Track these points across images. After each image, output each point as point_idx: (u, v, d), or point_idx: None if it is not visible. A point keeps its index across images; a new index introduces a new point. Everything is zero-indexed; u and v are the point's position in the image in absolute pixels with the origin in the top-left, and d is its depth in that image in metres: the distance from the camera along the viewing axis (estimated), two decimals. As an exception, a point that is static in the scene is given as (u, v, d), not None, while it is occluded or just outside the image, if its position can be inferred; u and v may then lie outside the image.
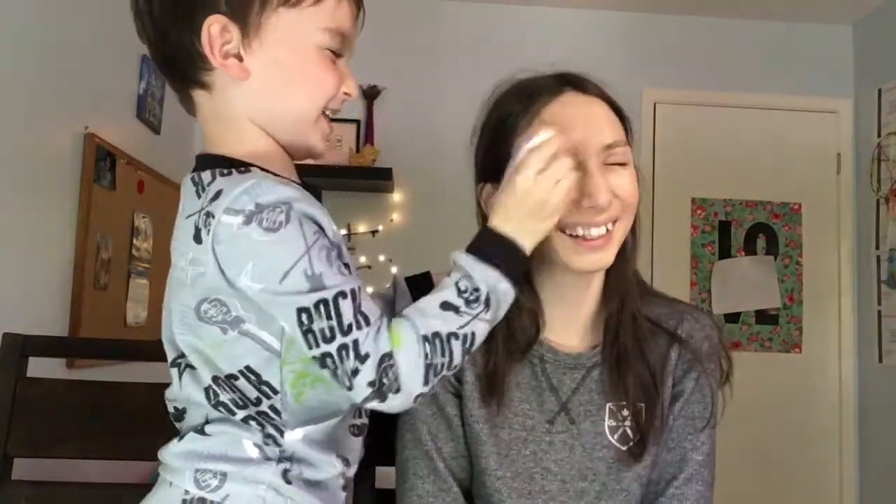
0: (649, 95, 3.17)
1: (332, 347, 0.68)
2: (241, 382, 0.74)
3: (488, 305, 0.73)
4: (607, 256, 0.89)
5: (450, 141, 3.11)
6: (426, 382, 0.71)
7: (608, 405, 0.93)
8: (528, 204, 0.77)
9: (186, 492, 0.75)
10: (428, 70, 3.09)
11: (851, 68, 3.24)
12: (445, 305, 0.72)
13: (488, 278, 0.74)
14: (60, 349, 1.55)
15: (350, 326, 0.68)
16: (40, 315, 1.78)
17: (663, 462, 0.94)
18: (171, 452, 0.78)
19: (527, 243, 0.77)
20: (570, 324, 0.96)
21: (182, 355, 0.79)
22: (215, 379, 0.75)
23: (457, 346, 0.72)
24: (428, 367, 0.70)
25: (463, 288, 0.73)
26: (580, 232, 0.87)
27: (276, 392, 0.74)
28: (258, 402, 0.75)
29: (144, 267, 2.34)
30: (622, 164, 0.89)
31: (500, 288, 0.74)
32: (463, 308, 0.72)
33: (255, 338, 0.73)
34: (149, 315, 2.37)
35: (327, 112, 0.80)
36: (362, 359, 0.68)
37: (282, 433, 0.76)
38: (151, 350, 1.54)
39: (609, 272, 0.95)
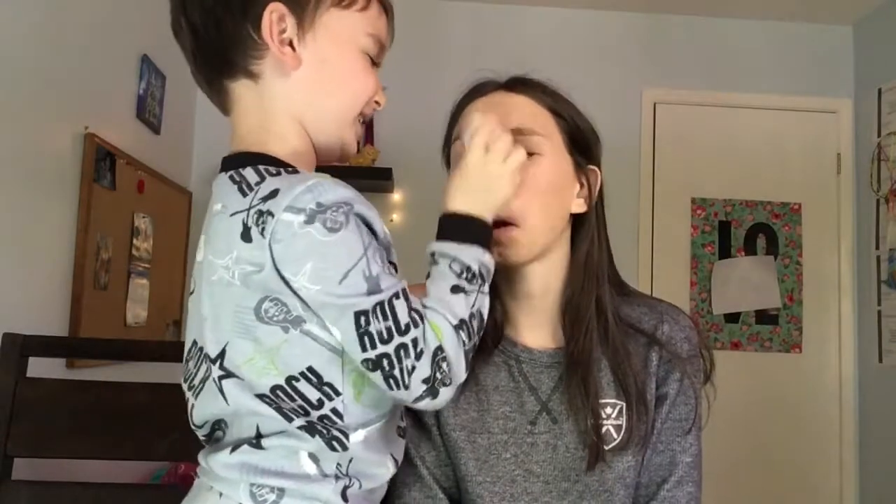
0: (649, 95, 3.17)
1: (389, 348, 0.69)
2: (303, 384, 0.72)
3: (483, 278, 0.76)
4: (518, 250, 0.90)
5: (450, 141, 3.11)
6: (467, 368, 0.74)
7: (589, 404, 0.92)
8: (481, 180, 0.79)
9: None
10: (428, 70, 3.09)
11: (851, 68, 3.24)
12: (455, 289, 0.74)
13: (474, 255, 0.76)
14: (60, 349, 1.55)
15: (407, 326, 0.69)
16: (40, 315, 1.78)
17: (652, 465, 0.94)
18: (221, 462, 0.74)
19: (487, 216, 0.79)
20: (535, 322, 0.96)
21: (224, 369, 0.74)
22: (275, 388, 0.72)
23: (476, 325, 0.75)
24: (466, 353, 0.73)
25: (458, 270, 0.75)
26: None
27: (338, 393, 0.73)
28: (320, 404, 0.73)
29: (144, 267, 2.34)
30: (533, 154, 0.89)
31: (485, 260, 0.77)
32: (468, 287, 0.75)
33: (316, 338, 0.72)
34: (149, 315, 2.37)
35: (360, 117, 0.82)
36: (419, 356, 0.69)
37: (347, 436, 0.74)
38: (151, 350, 1.54)
39: (577, 262, 0.95)
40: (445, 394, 0.72)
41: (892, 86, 2.99)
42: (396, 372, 0.69)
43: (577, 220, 0.96)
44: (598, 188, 0.97)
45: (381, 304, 0.69)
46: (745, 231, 3.18)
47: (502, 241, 0.88)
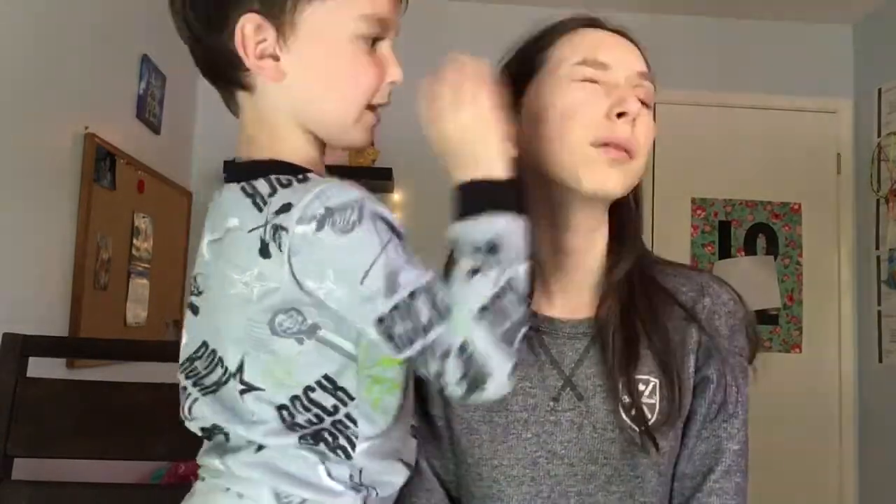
0: (649, 95, 3.17)
1: (413, 352, 0.67)
2: (318, 393, 0.72)
3: (497, 248, 0.68)
4: (618, 179, 0.84)
5: (450, 141, 3.11)
6: (509, 354, 0.67)
7: (621, 379, 0.84)
8: (459, 137, 0.73)
9: None
10: (428, 70, 3.09)
11: (851, 68, 3.24)
12: (472, 272, 0.68)
13: (478, 228, 0.69)
14: (60, 349, 1.55)
15: (427, 327, 0.66)
16: (40, 315, 1.78)
17: (697, 454, 0.87)
18: (242, 461, 0.73)
19: (496, 170, 0.71)
20: (565, 284, 0.90)
21: (245, 383, 0.73)
22: (294, 399, 0.71)
23: (508, 301, 0.68)
24: (500, 338, 0.67)
25: (468, 251, 0.69)
26: (604, 136, 0.82)
27: (351, 398, 0.72)
28: (335, 410, 0.72)
29: (144, 267, 2.34)
30: (646, 105, 0.86)
31: (495, 227, 0.69)
32: (483, 266, 0.68)
33: (331, 344, 0.71)
34: (149, 315, 2.37)
35: (374, 105, 0.78)
36: (444, 357, 0.66)
37: (353, 446, 0.73)
38: (151, 350, 1.54)
39: (618, 229, 0.91)
40: (494, 386, 0.67)
41: (892, 86, 2.99)
42: (432, 376, 0.67)
43: None
44: None
45: (398, 306, 0.66)
46: (745, 231, 3.18)
47: (619, 160, 0.83)
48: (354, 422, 0.73)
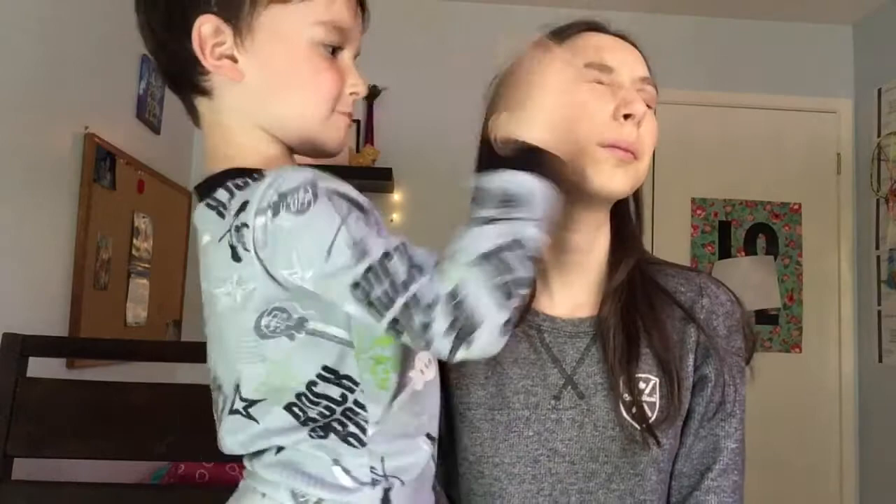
0: (649, 95, 3.17)
1: (395, 311, 0.64)
2: (322, 386, 0.71)
3: (515, 201, 0.66)
4: (624, 179, 0.86)
5: (450, 141, 3.10)
6: (503, 306, 0.64)
7: (621, 378, 0.85)
8: (518, 94, 0.71)
9: None
10: (428, 70, 3.09)
11: (851, 68, 3.24)
12: (477, 221, 0.66)
13: (500, 179, 0.67)
14: (60, 349, 1.55)
15: (405, 283, 0.64)
16: (40, 315, 1.78)
17: (695, 453, 0.88)
18: (264, 463, 0.74)
19: (528, 134, 0.70)
20: (567, 283, 0.90)
21: (245, 400, 0.73)
22: (299, 395, 0.71)
23: (513, 256, 0.65)
24: (495, 287, 0.64)
25: (480, 201, 0.67)
26: (611, 138, 0.84)
27: (356, 384, 0.71)
28: (343, 399, 0.71)
29: (144, 267, 2.34)
30: (650, 107, 0.88)
31: (521, 179, 0.67)
32: (494, 214, 0.66)
33: (323, 335, 0.70)
34: (149, 315, 2.37)
35: (339, 112, 0.77)
36: (430, 309, 0.63)
37: (364, 431, 0.72)
38: (151, 350, 1.55)
39: (619, 229, 0.92)
40: (482, 337, 0.64)
41: (892, 86, 2.99)
42: (414, 334, 0.64)
43: None
44: None
45: (372, 267, 0.64)
46: (745, 231, 3.18)
47: (626, 160, 0.85)
48: (363, 407, 0.72)
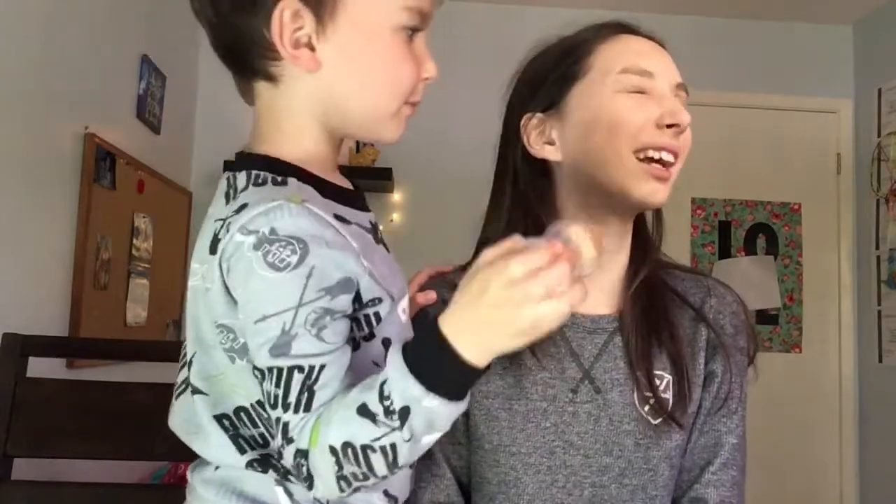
0: (649, 95, 3.17)
1: (273, 413, 0.63)
2: (257, 413, 0.68)
3: (403, 422, 0.59)
4: (665, 192, 0.89)
5: (451, 141, 3.11)
6: (341, 490, 0.63)
7: (637, 374, 0.87)
8: (491, 315, 0.58)
9: None
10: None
11: (851, 68, 3.24)
12: (363, 410, 0.60)
13: (408, 391, 0.59)
14: (60, 349, 1.55)
15: (290, 405, 0.62)
16: (40, 315, 1.78)
17: (697, 447, 0.91)
18: (203, 478, 0.71)
19: (477, 357, 0.59)
20: (592, 284, 0.87)
21: (189, 383, 0.71)
22: (238, 410, 0.68)
23: (376, 458, 0.60)
24: (339, 477, 0.61)
25: (385, 393, 0.60)
26: (653, 154, 0.88)
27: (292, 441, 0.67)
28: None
29: (144, 267, 2.34)
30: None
31: (424, 405, 0.59)
32: (381, 418, 0.59)
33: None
34: (149, 315, 2.37)
35: (408, 105, 0.73)
36: (287, 442, 0.63)
37: (311, 485, 0.67)
38: (151, 350, 1.54)
39: (641, 231, 0.95)
40: (317, 492, 0.64)
41: (892, 86, 2.99)
42: (276, 442, 0.64)
43: None
44: None
45: (279, 369, 0.62)
46: (745, 231, 3.18)
47: (664, 177, 0.89)
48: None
